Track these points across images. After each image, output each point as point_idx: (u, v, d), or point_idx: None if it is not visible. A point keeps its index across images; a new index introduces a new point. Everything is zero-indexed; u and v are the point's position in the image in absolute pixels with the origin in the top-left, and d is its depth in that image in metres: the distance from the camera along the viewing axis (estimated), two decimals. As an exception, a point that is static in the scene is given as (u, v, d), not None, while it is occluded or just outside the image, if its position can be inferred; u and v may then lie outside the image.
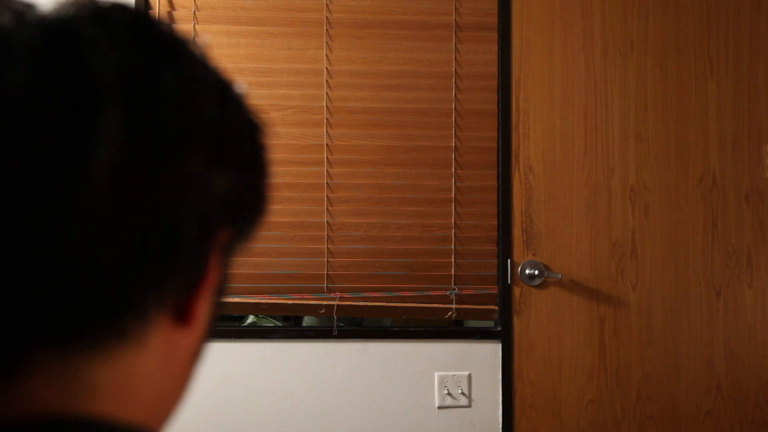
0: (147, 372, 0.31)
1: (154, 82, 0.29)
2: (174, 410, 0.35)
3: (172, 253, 0.29)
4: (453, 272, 1.84)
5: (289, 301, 1.82)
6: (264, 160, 0.37)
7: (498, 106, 1.87)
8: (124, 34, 0.30)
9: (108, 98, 0.28)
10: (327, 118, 1.85)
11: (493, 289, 1.85)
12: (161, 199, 0.29)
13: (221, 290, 0.36)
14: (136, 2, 1.82)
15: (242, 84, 0.38)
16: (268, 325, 2.06)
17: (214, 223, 0.32)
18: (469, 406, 1.83)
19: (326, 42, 1.86)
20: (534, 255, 1.85)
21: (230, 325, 2.03)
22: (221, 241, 0.33)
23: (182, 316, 0.32)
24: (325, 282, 1.82)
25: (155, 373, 0.31)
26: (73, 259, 0.26)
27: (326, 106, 1.85)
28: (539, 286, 1.84)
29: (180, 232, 0.29)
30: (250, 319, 2.07)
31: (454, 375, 1.82)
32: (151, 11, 1.84)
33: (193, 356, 0.35)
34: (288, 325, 2.14)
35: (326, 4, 1.86)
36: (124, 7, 0.31)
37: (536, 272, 1.82)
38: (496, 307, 1.85)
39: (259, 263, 1.82)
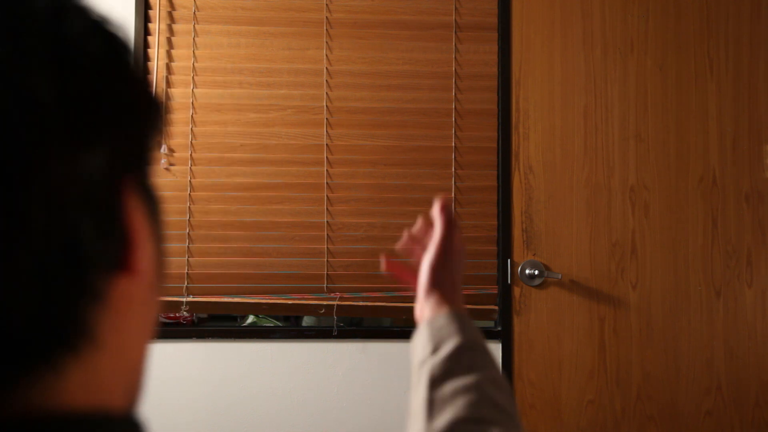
0: (113, 342, 0.30)
1: None
2: (142, 372, 0.34)
3: (80, 257, 0.27)
4: (453, 272, 1.84)
5: (289, 301, 1.82)
6: (134, 96, 0.31)
7: (498, 106, 1.87)
8: None
9: None
10: (327, 118, 1.85)
11: (493, 289, 1.85)
12: (39, 227, 0.26)
13: (157, 228, 0.34)
14: (136, 3, 1.82)
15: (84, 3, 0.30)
16: (268, 325, 2.06)
17: (111, 189, 0.29)
18: (469, 406, 1.83)
19: (326, 42, 1.86)
20: (534, 255, 1.85)
21: (230, 325, 2.03)
22: (129, 189, 0.31)
23: (126, 267, 0.31)
24: (325, 282, 1.82)
25: (120, 336, 0.31)
26: None
27: (326, 106, 1.85)
28: (539, 286, 1.84)
29: (77, 235, 0.27)
30: (250, 319, 2.06)
31: (454, 375, 1.82)
32: (150, 11, 1.84)
33: (147, 305, 0.33)
34: (288, 325, 2.14)
35: (326, 4, 1.86)
36: None
37: (536, 272, 1.82)
38: (496, 307, 1.85)
39: (259, 263, 1.82)
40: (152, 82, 0.33)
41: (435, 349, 0.57)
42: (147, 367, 0.35)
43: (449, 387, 0.54)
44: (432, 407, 0.52)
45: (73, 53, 0.27)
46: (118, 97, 0.30)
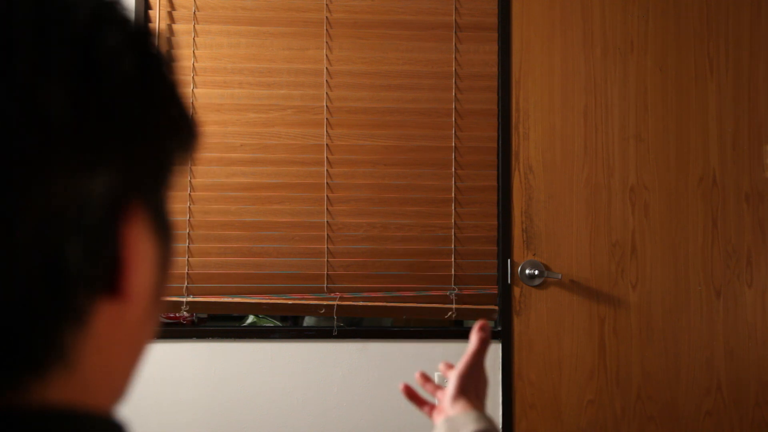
0: (90, 364, 0.30)
1: None
2: (126, 386, 0.34)
3: (63, 278, 0.27)
4: (453, 272, 1.84)
5: (289, 301, 1.82)
6: (160, 118, 0.30)
7: (498, 106, 1.87)
8: None
9: None
10: (327, 118, 1.85)
11: (493, 289, 1.85)
12: (24, 243, 0.25)
13: (163, 254, 0.34)
14: (136, 3, 1.82)
15: (123, 16, 0.29)
16: (268, 325, 2.06)
17: (110, 213, 0.28)
18: (469, 406, 1.83)
19: (326, 42, 1.86)
20: (534, 255, 1.85)
21: (230, 325, 2.03)
22: (134, 214, 0.30)
23: (116, 292, 0.30)
24: (325, 282, 1.82)
25: (100, 358, 0.30)
26: None
27: (326, 106, 1.85)
28: (539, 286, 1.84)
29: (63, 255, 0.27)
30: (250, 319, 2.06)
31: (454, 375, 1.82)
32: (150, 11, 1.84)
33: (140, 328, 0.33)
34: (288, 325, 2.14)
35: (326, 4, 1.86)
36: None
37: (536, 272, 1.82)
38: (496, 307, 1.85)
39: (259, 263, 1.82)
40: (188, 104, 0.32)
41: None
42: (132, 381, 0.35)
43: None
44: None
45: (100, 69, 0.27)
46: (139, 119, 0.29)
